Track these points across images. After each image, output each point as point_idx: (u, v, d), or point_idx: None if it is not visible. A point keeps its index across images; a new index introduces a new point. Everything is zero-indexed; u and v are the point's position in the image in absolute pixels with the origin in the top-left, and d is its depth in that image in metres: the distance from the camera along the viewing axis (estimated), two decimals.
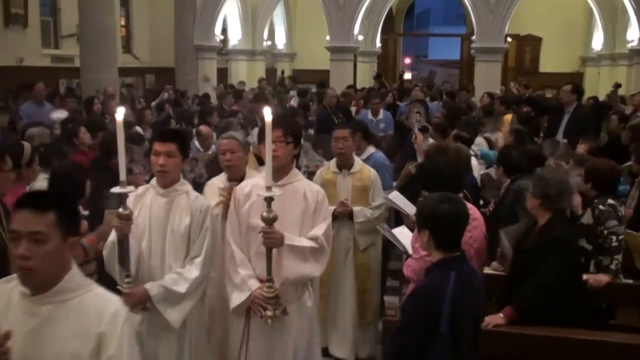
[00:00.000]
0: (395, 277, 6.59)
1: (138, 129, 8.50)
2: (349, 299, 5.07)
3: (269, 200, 3.00)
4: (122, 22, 17.08)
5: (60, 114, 8.82)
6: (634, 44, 15.22)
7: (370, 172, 5.07)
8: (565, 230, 3.81)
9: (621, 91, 13.31)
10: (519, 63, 21.79)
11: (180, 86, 14.88)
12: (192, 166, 6.10)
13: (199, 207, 3.51)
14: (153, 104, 11.61)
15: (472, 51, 15.89)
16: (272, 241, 3.20)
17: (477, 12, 15.18)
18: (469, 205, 4.02)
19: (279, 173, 3.43)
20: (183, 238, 3.47)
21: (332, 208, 4.61)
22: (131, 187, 3.11)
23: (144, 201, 3.53)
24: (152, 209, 3.50)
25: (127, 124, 8.18)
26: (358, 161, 5.15)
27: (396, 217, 5.57)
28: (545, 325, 3.57)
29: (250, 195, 3.52)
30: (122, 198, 3.09)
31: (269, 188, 2.98)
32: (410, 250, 3.79)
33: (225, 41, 19.21)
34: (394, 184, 5.78)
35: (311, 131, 9.33)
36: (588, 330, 3.62)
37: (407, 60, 28.43)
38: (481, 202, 5.74)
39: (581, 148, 6.24)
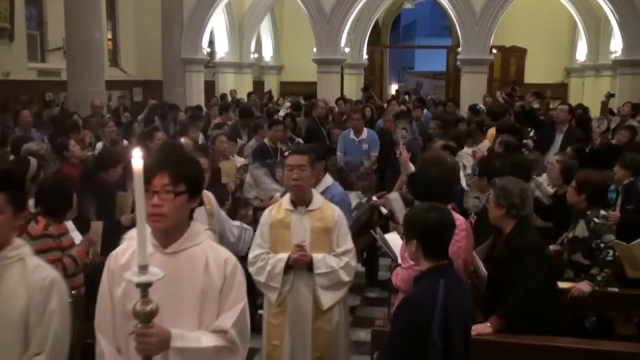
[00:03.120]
0: (384, 288, 6.63)
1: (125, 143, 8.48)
2: None
3: (143, 287, 1.97)
4: (109, 36, 17.09)
5: None
6: (618, 54, 15.41)
7: (334, 211, 4.03)
8: (532, 234, 3.84)
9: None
10: (504, 74, 21.96)
11: (168, 99, 14.87)
12: None
13: (39, 281, 2.44)
14: (140, 117, 11.59)
15: (458, 63, 16.02)
16: (150, 347, 2.14)
17: (463, 24, 15.33)
18: (458, 216, 4.06)
19: (168, 236, 2.41)
20: (16, 326, 2.41)
21: (284, 256, 3.92)
22: None
23: None
24: None
25: (115, 141, 8.19)
26: (318, 196, 4.12)
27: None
28: (528, 332, 3.58)
29: (129, 267, 2.31)
30: None
31: (142, 268, 1.95)
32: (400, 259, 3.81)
33: (212, 54, 19.25)
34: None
35: (300, 141, 9.22)
36: (582, 340, 3.65)
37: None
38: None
39: (554, 159, 6.29)
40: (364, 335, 5.51)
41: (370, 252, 7.03)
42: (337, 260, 3.94)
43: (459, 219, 4.04)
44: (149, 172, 2.25)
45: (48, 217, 4.20)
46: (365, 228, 5.97)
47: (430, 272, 2.96)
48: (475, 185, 5.21)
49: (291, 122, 10.60)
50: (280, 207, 4.07)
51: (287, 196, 4.11)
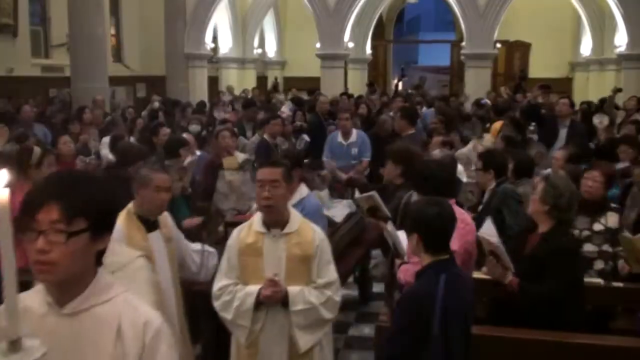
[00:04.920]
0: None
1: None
2: None
3: None
4: (113, 31, 17.09)
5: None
6: (622, 49, 15.35)
7: (315, 234, 3.36)
8: (571, 238, 3.81)
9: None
10: (508, 69, 21.92)
11: (171, 94, 14.90)
12: (181, 174, 5.72)
13: None
14: (143, 113, 11.60)
15: (462, 57, 16.00)
16: None
17: (467, 19, 15.31)
18: (461, 211, 4.05)
19: (65, 291, 1.72)
20: None
21: (254, 289, 3.27)
22: None
23: None
24: None
25: (119, 137, 8.18)
26: (295, 216, 3.42)
27: None
28: (542, 328, 3.57)
29: None
30: None
31: (13, 344, 1.42)
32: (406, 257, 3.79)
33: (215, 49, 19.25)
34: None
35: (305, 137, 9.08)
36: (584, 334, 3.63)
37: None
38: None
39: (559, 155, 6.25)
40: (367, 330, 5.52)
41: (363, 269, 6.45)
42: (318, 294, 3.29)
43: (462, 214, 4.03)
44: (31, 204, 1.64)
45: None
46: (358, 241, 5.65)
47: (431, 267, 2.96)
48: (480, 179, 5.17)
49: (302, 117, 10.57)
50: (250, 229, 3.37)
51: (259, 215, 3.39)
